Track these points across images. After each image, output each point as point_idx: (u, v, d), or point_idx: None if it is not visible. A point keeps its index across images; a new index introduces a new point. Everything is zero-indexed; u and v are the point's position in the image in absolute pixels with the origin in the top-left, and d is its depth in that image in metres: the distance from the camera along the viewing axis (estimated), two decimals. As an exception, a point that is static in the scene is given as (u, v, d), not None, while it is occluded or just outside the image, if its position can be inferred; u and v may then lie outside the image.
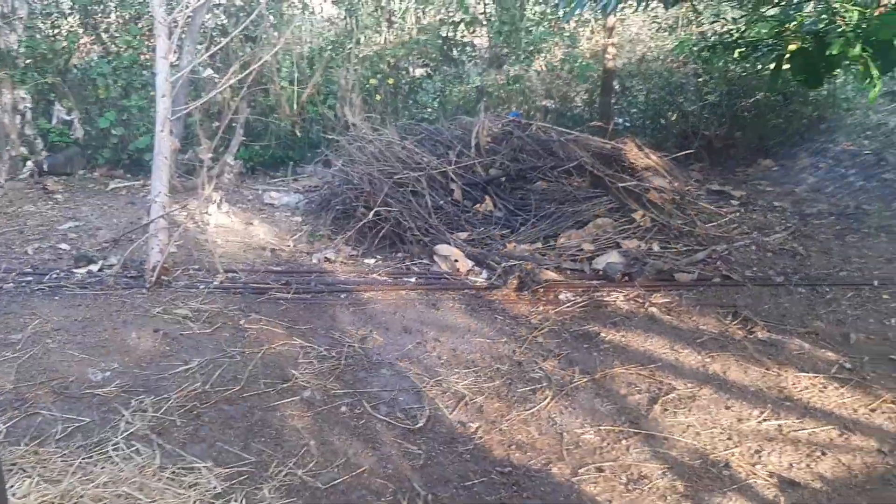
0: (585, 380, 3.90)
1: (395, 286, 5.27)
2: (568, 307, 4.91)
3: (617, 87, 9.79)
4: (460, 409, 3.62)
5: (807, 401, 3.63)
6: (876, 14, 5.86)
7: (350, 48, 9.61)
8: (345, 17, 9.98)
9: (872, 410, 3.53)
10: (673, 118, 9.47)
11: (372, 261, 5.86)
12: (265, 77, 9.11)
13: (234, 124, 8.54)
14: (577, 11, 4.49)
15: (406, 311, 4.84)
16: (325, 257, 5.83)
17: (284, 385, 3.81)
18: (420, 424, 3.48)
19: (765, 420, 3.47)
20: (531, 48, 9.83)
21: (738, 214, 6.87)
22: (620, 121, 9.77)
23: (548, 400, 3.69)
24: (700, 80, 9.46)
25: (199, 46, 8.70)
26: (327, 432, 3.40)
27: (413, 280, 5.39)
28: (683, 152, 7.95)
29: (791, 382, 3.81)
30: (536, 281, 5.20)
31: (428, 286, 5.27)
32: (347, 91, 9.18)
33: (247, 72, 6.54)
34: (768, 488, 2.96)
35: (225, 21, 9.51)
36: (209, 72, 9.19)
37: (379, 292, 5.16)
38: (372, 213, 6.05)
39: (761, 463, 3.13)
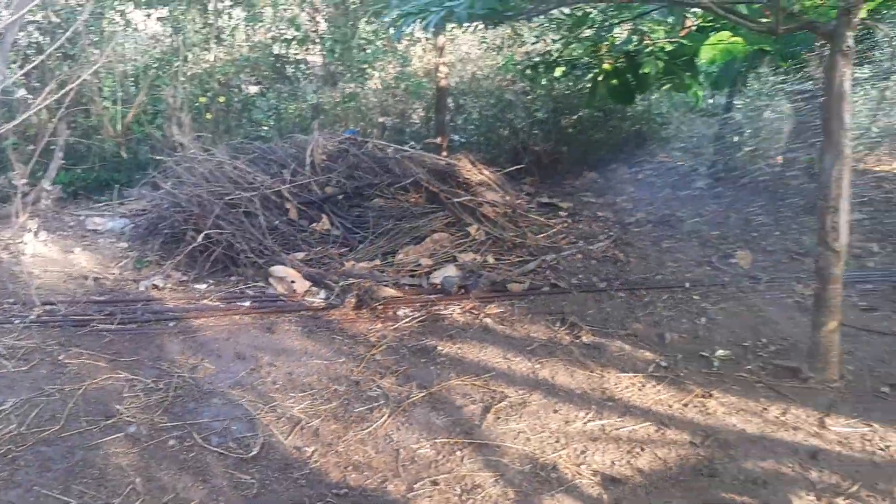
0: (422, 394, 3.94)
1: (228, 311, 5.11)
2: (406, 323, 4.95)
3: (451, 104, 10.02)
4: (296, 434, 3.56)
5: (627, 400, 3.85)
6: (681, 34, 6.37)
7: (178, 66, 9.26)
8: (171, 35, 9.60)
9: (685, 405, 3.79)
10: (504, 134, 9.80)
11: (203, 286, 5.65)
12: (86, 97, 8.62)
13: (52, 147, 8.00)
14: (405, 30, 4.55)
15: (239, 337, 4.70)
16: (153, 284, 5.57)
17: (108, 421, 3.60)
18: (254, 453, 3.39)
19: (589, 421, 3.65)
20: (365, 66, 9.88)
21: (565, 225, 7.19)
22: (456, 137, 10.00)
23: (385, 418, 3.70)
24: (528, 97, 9.85)
25: (11, 65, 8.09)
26: (155, 468, 3.24)
27: (247, 304, 5.24)
28: (515, 167, 8.26)
29: (613, 383, 4.03)
30: (375, 298, 5.21)
31: (263, 309, 5.15)
32: (176, 110, 8.85)
33: (64, 91, 6.16)
34: (593, 487, 3.11)
35: (40, 38, 8.90)
36: (23, 92, 8.58)
37: (211, 318, 4.99)
38: (202, 235, 5.85)
39: (586, 463, 3.29)
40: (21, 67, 7.99)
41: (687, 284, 5.48)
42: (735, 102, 9.09)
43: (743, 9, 4.26)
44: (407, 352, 4.50)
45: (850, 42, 3.64)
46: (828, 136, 3.77)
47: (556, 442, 3.46)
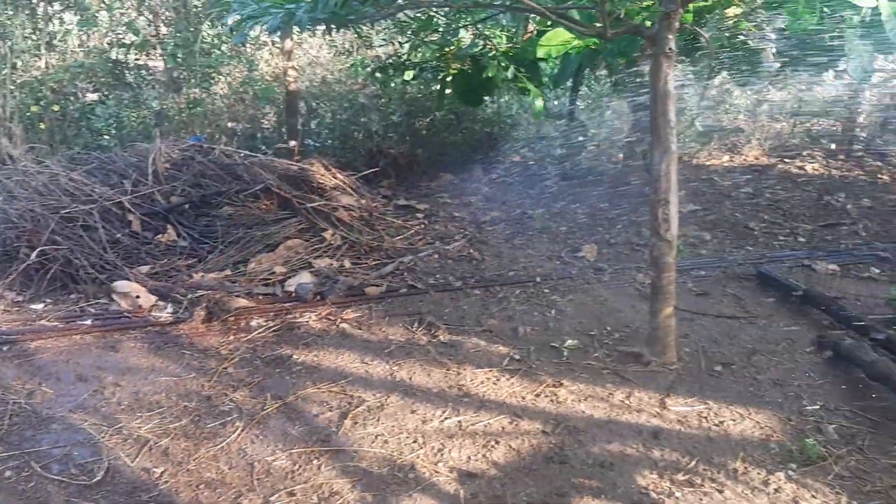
0: (277, 405, 3.86)
1: (68, 331, 4.81)
2: (260, 333, 4.84)
3: (303, 108, 9.88)
4: (143, 455, 3.40)
5: (482, 394, 3.93)
6: (523, 39, 6.59)
7: (5, 73, 8.64)
8: (-5, 40, 8.94)
9: (537, 396, 3.91)
10: (359, 138, 9.77)
11: (41, 306, 5.30)
12: None
13: None
14: (248, 34, 4.46)
15: (81, 358, 4.44)
16: (-18, 307, 5.16)
17: (-71, 459, 3.31)
18: (98, 479, 3.21)
19: (446, 418, 3.69)
20: (210, 70, 9.58)
21: (422, 226, 7.26)
22: (310, 142, 9.87)
23: (238, 432, 3.60)
24: (382, 101, 9.87)
25: None
26: (-16, 506, 3.00)
27: (88, 322, 4.95)
28: (371, 170, 8.24)
29: (469, 379, 4.10)
30: (226, 310, 5.06)
31: (106, 328, 4.88)
32: (5, 120, 8.25)
33: None
34: (450, 483, 3.15)
35: None
36: None
37: (48, 340, 4.68)
38: (35, 252, 5.48)
39: (443, 460, 3.32)
40: None
41: (538, 279, 5.65)
42: (577, 104, 9.49)
43: (575, 14, 4.45)
44: (261, 363, 4.40)
45: (672, 45, 3.88)
46: (655, 133, 4.00)
47: (414, 442, 3.48)
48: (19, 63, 9.01)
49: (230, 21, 4.73)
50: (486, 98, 7.33)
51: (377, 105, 9.92)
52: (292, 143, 8.72)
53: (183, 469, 3.29)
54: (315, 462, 3.33)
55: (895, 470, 3.19)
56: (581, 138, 9.74)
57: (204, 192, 6.61)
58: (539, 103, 6.08)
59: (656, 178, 4.03)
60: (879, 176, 8.67)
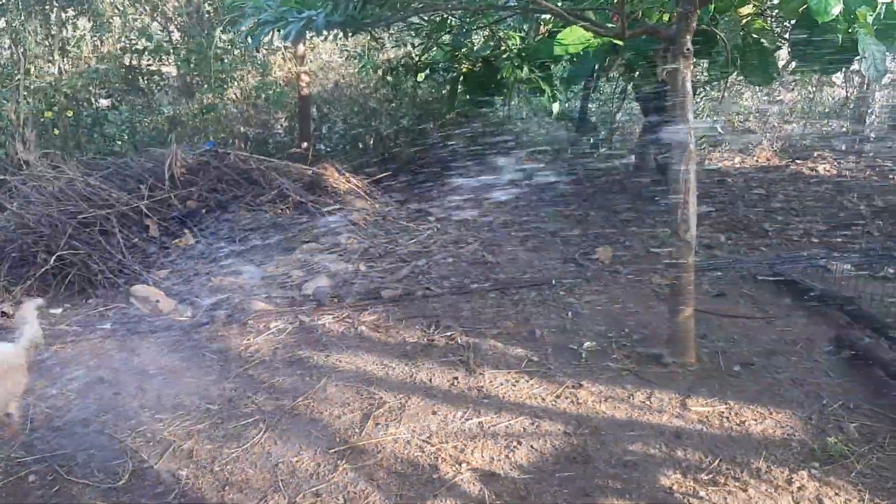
0: (299, 407, 3.89)
1: (88, 335, 4.86)
2: (279, 335, 4.87)
3: (315, 113, 9.94)
4: (168, 457, 3.43)
5: (502, 396, 3.95)
6: (536, 40, 6.60)
7: (18, 79, 8.70)
8: (10, 46, 9.01)
9: (557, 397, 3.92)
10: (371, 142, 9.82)
11: (59, 310, 5.35)
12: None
13: None
14: (262, 38, 4.50)
15: (102, 362, 4.48)
16: (2, 312, 5.21)
17: (-45, 463, 3.34)
18: (123, 481, 3.23)
19: (467, 420, 3.71)
20: (223, 76, 9.64)
21: (435, 230, 7.28)
22: (322, 146, 9.92)
23: (261, 433, 3.62)
24: (392, 104, 9.92)
25: None
26: (12, 508, 3.03)
27: (108, 326, 5.00)
28: (383, 174, 8.29)
29: (488, 381, 4.12)
30: (245, 313, 5.10)
31: (126, 332, 4.92)
32: (19, 126, 8.32)
33: None
34: (473, 484, 3.17)
35: None
36: None
37: (69, 344, 4.73)
38: (54, 258, 5.53)
39: (466, 461, 3.34)
40: None
41: (553, 281, 5.67)
42: (589, 106, 9.51)
43: (592, 14, 4.47)
44: (281, 365, 4.43)
45: (689, 45, 3.90)
46: (673, 135, 4.01)
47: (436, 443, 3.50)
48: (33, 69, 9.08)
49: (245, 27, 4.78)
50: (498, 100, 7.35)
51: (387, 109, 9.97)
52: (304, 147, 8.78)
53: (207, 471, 3.32)
54: (339, 463, 3.35)
55: (918, 468, 3.19)
56: (593, 140, 9.76)
57: (220, 196, 6.66)
58: (555, 104, 6.11)
59: (674, 179, 4.04)
60: (891, 177, 8.66)
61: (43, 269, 5.54)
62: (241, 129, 9.81)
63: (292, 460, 3.39)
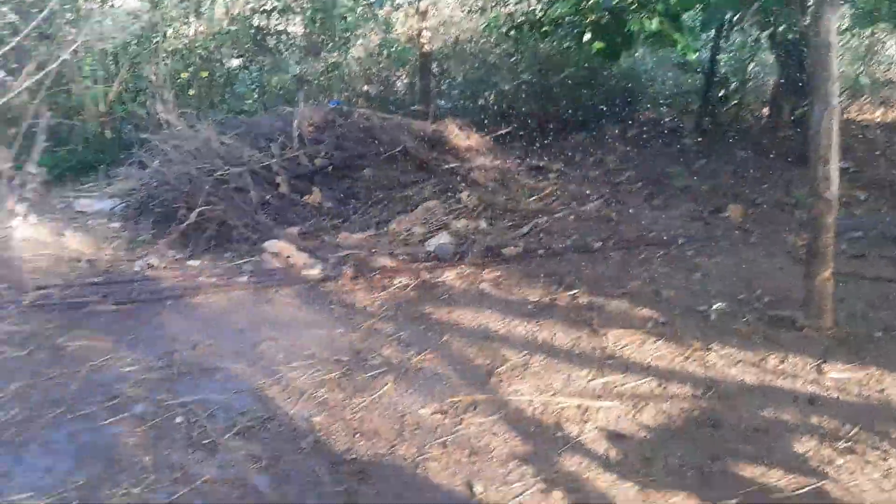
0: (423, 360, 3.98)
1: (226, 287, 5.12)
2: (403, 291, 4.98)
3: (435, 69, 9.96)
4: (301, 404, 3.59)
5: (627, 357, 3.90)
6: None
7: (157, 42, 9.14)
8: (149, 10, 9.46)
9: (685, 359, 3.84)
10: (491, 98, 9.76)
11: (198, 263, 5.65)
12: (66, 77, 8.51)
13: (34, 130, 7.90)
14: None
15: (239, 312, 4.72)
16: (148, 263, 5.56)
17: (112, 402, 3.61)
18: (261, 425, 3.41)
19: (591, 379, 3.69)
20: (347, 34, 9.78)
21: (556, 187, 7.20)
22: (442, 103, 9.95)
23: (388, 385, 3.74)
24: (513, 59, 9.79)
25: (-14, 48, 7.97)
26: (163, 446, 3.26)
27: (244, 279, 5.25)
28: (503, 130, 8.23)
29: (612, 341, 4.08)
30: (370, 268, 5.24)
31: (260, 284, 5.16)
32: (158, 87, 8.76)
33: (44, 72, 6.08)
34: (598, 443, 3.16)
35: (15, 19, 8.75)
36: (1, 74, 8.45)
37: (208, 295, 4.99)
38: (194, 213, 5.83)
39: (591, 420, 3.33)
40: (-3, 50, 7.86)
41: (680, 241, 5.51)
42: (719, 57, 9.07)
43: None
44: (405, 319, 4.53)
45: (837, -10, 3.64)
46: (815, 87, 3.78)
47: (560, 401, 3.51)
48: (170, 31, 9.51)
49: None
50: (625, 52, 7.11)
51: (509, 64, 9.86)
52: (425, 104, 8.83)
53: (338, 418, 3.46)
54: (463, 417, 3.42)
55: None
56: (723, 92, 9.33)
57: (346, 154, 6.82)
58: (688, 55, 5.85)
59: (815, 134, 3.81)
60: None
61: (184, 224, 5.85)
62: (364, 87, 9.96)
63: (418, 412, 3.48)
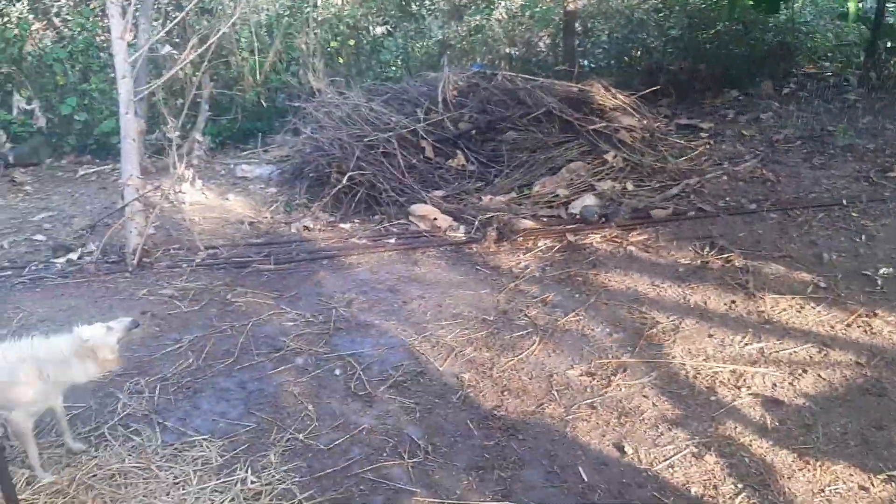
0: (570, 322, 3.98)
1: (375, 248, 5.31)
2: (547, 253, 4.98)
3: (579, 28, 9.75)
4: (450, 361, 3.69)
5: (785, 322, 3.74)
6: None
7: (308, 12, 9.47)
8: (300, -20, 9.81)
9: (848, 325, 3.64)
10: (637, 55, 9.46)
11: (349, 225, 5.88)
12: (225, 49, 8.98)
13: (198, 100, 8.43)
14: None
15: (388, 272, 4.88)
16: (304, 226, 5.84)
17: (277, 354, 3.85)
18: (412, 379, 3.54)
19: (746, 345, 3.57)
20: (490, -4, 9.76)
21: (707, 146, 6.93)
22: (586, 63, 9.75)
23: (535, 345, 3.77)
24: (661, 15, 9.44)
25: (154, 23, 8.54)
26: (323, 395, 3.45)
27: (392, 241, 5.42)
28: (650, 89, 7.96)
29: (769, 306, 3.92)
30: (514, 231, 5.26)
31: (408, 246, 5.31)
32: (309, 56, 9.09)
33: (206, 45, 6.44)
34: (753, 408, 3.07)
35: (179, -5, 9.32)
36: (168, 48, 9.03)
37: (360, 256, 5.20)
38: (346, 178, 6.05)
39: (746, 386, 3.24)
40: (163, 25, 8.40)
41: (844, 202, 5.19)
42: (888, 5, 8.35)
43: None
44: (550, 281, 4.54)
45: None
46: None
47: (713, 366, 3.42)
48: (319, 1, 9.81)
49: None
50: (781, 4, 6.69)
51: (656, 20, 9.51)
52: (568, 65, 8.68)
53: (486, 376, 3.53)
54: (612, 378, 3.40)
55: None
56: (890, 44, 8.61)
57: (489, 117, 6.83)
58: (852, 5, 5.44)
59: None
60: None
61: (336, 189, 6.09)
62: (506, 49, 9.90)
63: (566, 372, 3.50)
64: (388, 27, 10.37)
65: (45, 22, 9.24)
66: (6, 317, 4.41)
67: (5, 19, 8.98)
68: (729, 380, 3.29)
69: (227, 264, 5.13)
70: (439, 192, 6.11)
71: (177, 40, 9.04)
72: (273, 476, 2.85)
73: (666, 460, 2.82)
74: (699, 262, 4.58)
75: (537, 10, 9.72)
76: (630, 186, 6.01)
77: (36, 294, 4.78)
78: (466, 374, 3.56)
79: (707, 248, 4.74)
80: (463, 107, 6.98)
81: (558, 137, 6.67)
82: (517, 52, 10.20)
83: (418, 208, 5.76)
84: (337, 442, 3.07)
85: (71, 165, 8.52)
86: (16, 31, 8.76)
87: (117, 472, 2.86)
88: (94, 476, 2.83)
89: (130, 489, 2.76)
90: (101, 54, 8.75)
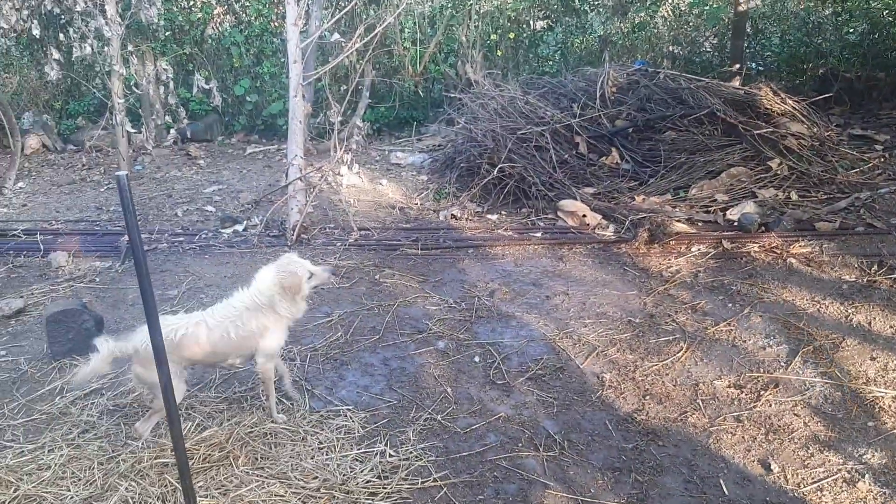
0: (721, 331, 3.83)
1: (521, 241, 5.31)
2: (701, 259, 4.81)
3: (749, 30, 9.33)
4: (591, 359, 3.65)
5: (963, 352, 3.45)
6: None
7: (471, 4, 9.58)
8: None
9: None
10: (810, 60, 8.94)
11: (496, 217, 5.92)
12: (388, 39, 9.25)
13: (360, 87, 8.74)
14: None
15: (532, 265, 4.88)
16: (452, 214, 5.94)
17: (419, 335, 3.95)
18: (551, 374, 3.53)
19: (916, 372, 3.32)
20: (658, -7, 9.51)
21: (882, 160, 6.46)
22: (753, 65, 9.33)
23: (682, 352, 3.66)
24: (839, 18, 8.86)
25: (325, 11, 8.92)
26: (462, 380, 3.51)
27: (539, 235, 5.41)
28: (822, 96, 7.51)
29: (945, 333, 3.62)
30: (667, 233, 5.12)
31: (554, 240, 5.28)
32: (468, 48, 9.20)
33: (371, 35, 6.66)
34: (920, 440, 2.85)
35: (349, -16, 9.68)
36: (336, 36, 9.40)
37: (505, 247, 5.23)
38: (496, 169, 6.09)
39: (912, 415, 3.01)
40: (332, 14, 8.75)
41: None
42: None
43: None
44: (702, 288, 4.39)
45: None
46: None
47: (873, 390, 3.20)
48: (482, -6, 9.92)
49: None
50: None
51: (834, 23, 8.94)
52: (736, 66, 8.32)
53: (628, 378, 3.47)
54: (762, 393, 3.25)
55: None
56: None
57: (648, 116, 6.67)
58: None
59: None
60: None
61: (486, 180, 6.14)
62: (670, 48, 9.62)
63: (713, 382, 3.38)
64: (549, 21, 10.32)
65: (225, 7, 9.86)
66: (178, 278, 4.77)
67: (190, 3, 9.66)
68: (891, 406, 3.07)
69: (378, 246, 5.30)
70: (590, 189, 6.04)
71: (344, 29, 9.40)
72: (410, 452, 2.93)
73: (815, 483, 2.67)
74: (865, 280, 4.29)
75: (706, 8, 9.37)
76: (794, 196, 5.70)
77: (204, 259, 5.14)
78: (608, 374, 3.51)
79: (875, 267, 4.42)
80: (621, 104, 6.86)
81: (720, 140, 6.42)
82: (681, 51, 9.90)
83: (567, 204, 5.71)
84: (473, 427, 3.11)
85: (240, 143, 9.08)
86: (199, 15, 9.41)
87: (269, 432, 3.03)
88: (251, 432, 3.02)
89: (280, 449, 2.92)
90: (275, 39, 9.25)
